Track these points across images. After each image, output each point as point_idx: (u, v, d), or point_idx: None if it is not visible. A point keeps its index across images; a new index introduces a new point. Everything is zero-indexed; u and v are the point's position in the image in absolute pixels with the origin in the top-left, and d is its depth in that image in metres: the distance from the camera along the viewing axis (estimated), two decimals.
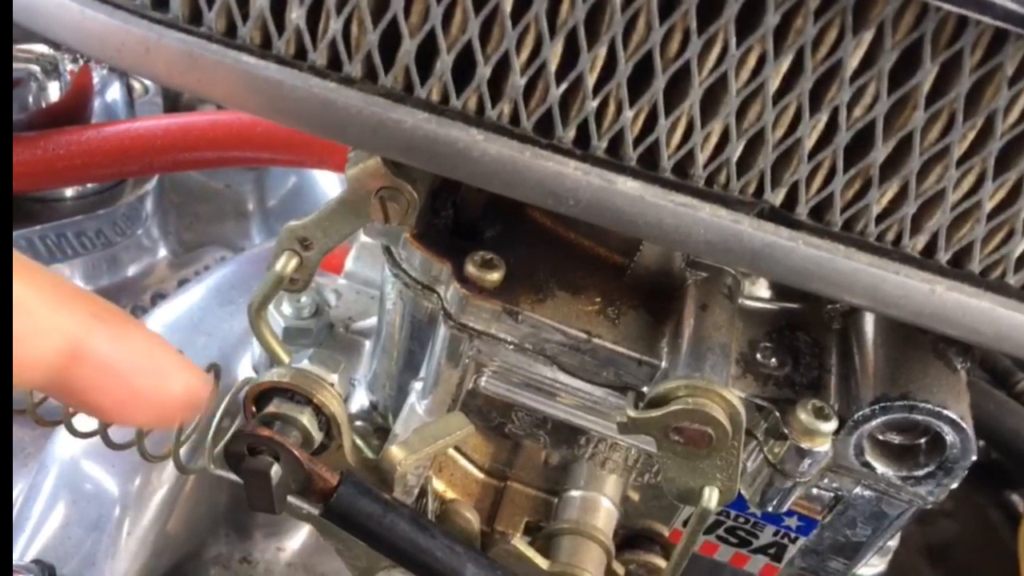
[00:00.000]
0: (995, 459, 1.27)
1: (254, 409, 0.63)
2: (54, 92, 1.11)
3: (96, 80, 1.18)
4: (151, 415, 0.51)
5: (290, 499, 0.61)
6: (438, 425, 0.65)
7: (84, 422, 0.69)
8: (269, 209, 1.45)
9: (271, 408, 0.61)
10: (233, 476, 0.62)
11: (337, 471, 0.61)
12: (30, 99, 1.09)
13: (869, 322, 0.68)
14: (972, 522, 1.34)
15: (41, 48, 1.09)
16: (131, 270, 1.27)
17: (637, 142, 0.53)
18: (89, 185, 1.19)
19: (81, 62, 1.12)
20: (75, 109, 1.13)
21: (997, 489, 1.36)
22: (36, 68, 1.08)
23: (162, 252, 1.31)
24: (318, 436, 0.62)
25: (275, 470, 0.58)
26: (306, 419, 0.61)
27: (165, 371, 0.50)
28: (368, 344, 0.87)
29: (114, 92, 1.23)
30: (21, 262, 0.44)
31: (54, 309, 0.45)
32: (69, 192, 1.18)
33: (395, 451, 0.63)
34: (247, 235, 1.43)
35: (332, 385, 0.63)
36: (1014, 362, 1.10)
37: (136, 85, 1.33)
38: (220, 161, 1.15)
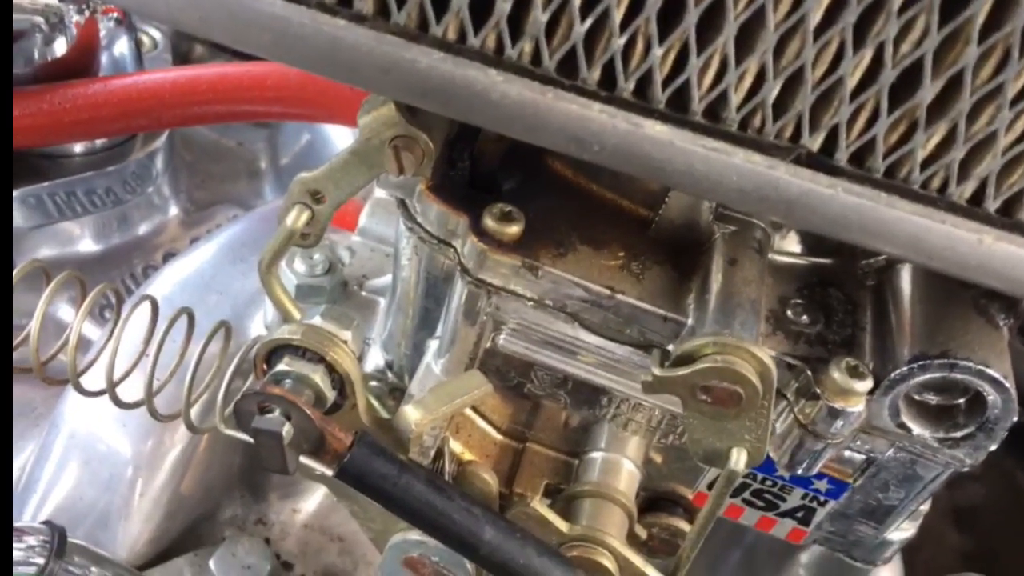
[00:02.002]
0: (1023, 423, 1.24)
1: (265, 367, 0.61)
2: (60, 46, 1.08)
3: (103, 33, 1.15)
4: None
5: (303, 459, 0.59)
6: (455, 384, 0.63)
7: (92, 380, 0.67)
8: (282, 167, 1.42)
9: (282, 366, 0.59)
10: (244, 436, 0.60)
11: (351, 431, 0.59)
12: (35, 52, 1.06)
13: (905, 277, 0.65)
14: (1000, 486, 1.32)
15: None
16: (142, 228, 1.25)
17: (666, 83, 0.49)
18: (98, 142, 1.16)
19: (87, 14, 1.09)
20: (81, 63, 1.10)
21: None
22: (40, 20, 1.05)
23: (173, 210, 1.29)
24: (331, 395, 0.60)
25: (287, 429, 0.56)
26: (318, 377, 0.59)
27: None
28: (383, 302, 0.85)
29: (121, 46, 1.19)
30: None
31: None
32: (78, 148, 1.15)
33: (410, 411, 0.61)
34: (260, 193, 1.41)
35: (345, 343, 0.61)
36: None
37: (144, 39, 1.30)
38: (230, 115, 1.12)
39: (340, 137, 1.33)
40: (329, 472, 0.58)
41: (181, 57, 1.39)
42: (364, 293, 0.85)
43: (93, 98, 1.03)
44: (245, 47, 0.50)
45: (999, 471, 1.32)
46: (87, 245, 1.20)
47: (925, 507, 0.79)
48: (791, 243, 0.69)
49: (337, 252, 0.86)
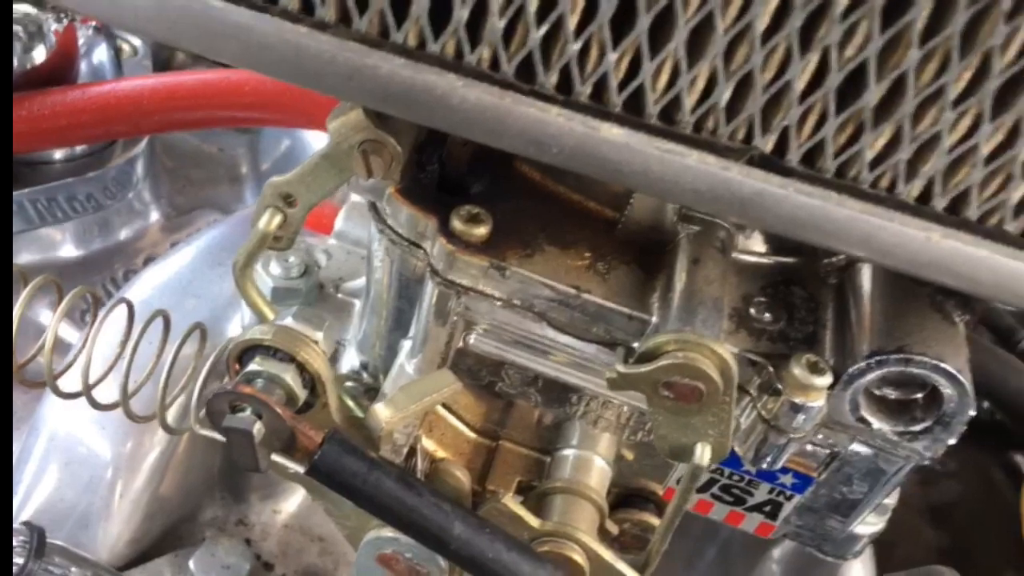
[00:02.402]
0: (999, 419, 1.26)
1: (237, 367, 0.62)
2: (39, 54, 1.09)
3: (82, 41, 1.16)
4: None
5: (276, 458, 0.60)
6: (425, 383, 0.64)
7: (70, 383, 0.68)
8: (263, 172, 1.43)
9: (254, 366, 0.60)
10: (218, 436, 0.61)
11: (323, 429, 0.60)
12: (15, 61, 1.08)
13: (866, 276, 0.67)
14: (975, 483, 1.34)
15: (25, 8, 1.07)
16: (123, 234, 1.26)
17: (622, 87, 0.51)
18: (78, 148, 1.17)
19: (65, 22, 1.10)
20: (60, 70, 1.11)
21: (1000, 449, 1.36)
22: (19, 29, 1.06)
23: (154, 216, 1.30)
24: (302, 394, 0.61)
25: (257, 427, 0.57)
26: (289, 377, 0.60)
27: None
28: (358, 304, 0.86)
29: (101, 54, 1.21)
30: None
31: None
32: (58, 155, 1.17)
33: (381, 409, 0.62)
34: (241, 199, 1.42)
35: (316, 343, 0.62)
36: (1017, 320, 1.09)
37: (124, 47, 1.31)
38: (208, 121, 1.13)
39: (319, 142, 1.34)
40: (301, 469, 0.60)
41: (162, 64, 1.40)
42: (340, 295, 0.86)
43: (72, 105, 1.04)
44: (213, 55, 0.51)
45: (974, 467, 1.34)
46: (68, 250, 1.21)
47: (892, 501, 0.80)
48: (755, 243, 0.70)
49: (313, 255, 0.87)
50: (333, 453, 0.59)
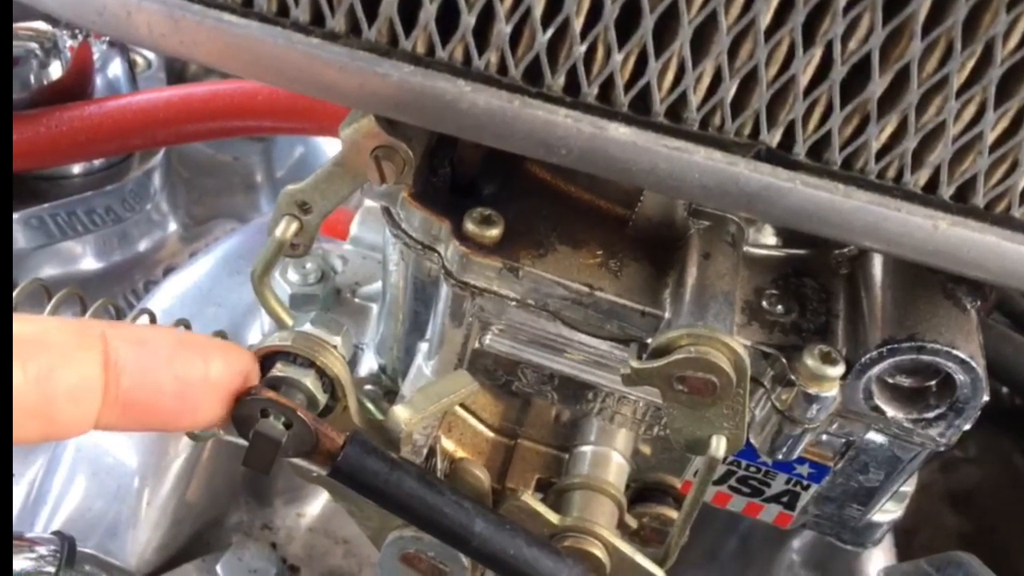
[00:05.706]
0: (1018, 404, 1.26)
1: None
2: (55, 70, 1.11)
3: (97, 56, 1.18)
4: (208, 402, 0.52)
5: (298, 461, 0.61)
6: (442, 384, 0.65)
7: None
8: (278, 180, 1.45)
9: (275, 371, 0.61)
10: (242, 441, 0.62)
11: (344, 432, 0.61)
12: (31, 77, 1.10)
13: (877, 265, 0.67)
14: (996, 468, 1.34)
15: (40, 25, 1.09)
16: (142, 245, 1.27)
17: (628, 87, 0.52)
18: (95, 162, 1.19)
19: (80, 38, 1.12)
20: (77, 86, 1.13)
21: (1020, 434, 1.35)
22: (35, 46, 1.08)
23: (172, 226, 1.32)
24: (322, 398, 0.62)
25: (285, 436, 0.58)
26: (310, 382, 0.61)
27: (202, 353, 0.51)
28: (375, 308, 0.87)
29: (115, 68, 1.23)
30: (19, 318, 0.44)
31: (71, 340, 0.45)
32: (76, 169, 1.19)
33: (400, 411, 0.63)
34: (256, 207, 1.43)
35: (335, 347, 0.63)
36: None
37: (139, 60, 1.33)
38: (222, 131, 1.15)
39: (332, 148, 1.36)
40: (324, 472, 0.61)
41: (176, 76, 1.42)
42: (357, 300, 0.88)
43: (89, 120, 1.06)
44: (226, 69, 0.52)
45: (994, 452, 1.34)
46: (89, 263, 1.23)
47: (910, 488, 0.81)
48: (766, 235, 0.71)
49: (330, 261, 0.89)
50: (355, 454, 0.60)
